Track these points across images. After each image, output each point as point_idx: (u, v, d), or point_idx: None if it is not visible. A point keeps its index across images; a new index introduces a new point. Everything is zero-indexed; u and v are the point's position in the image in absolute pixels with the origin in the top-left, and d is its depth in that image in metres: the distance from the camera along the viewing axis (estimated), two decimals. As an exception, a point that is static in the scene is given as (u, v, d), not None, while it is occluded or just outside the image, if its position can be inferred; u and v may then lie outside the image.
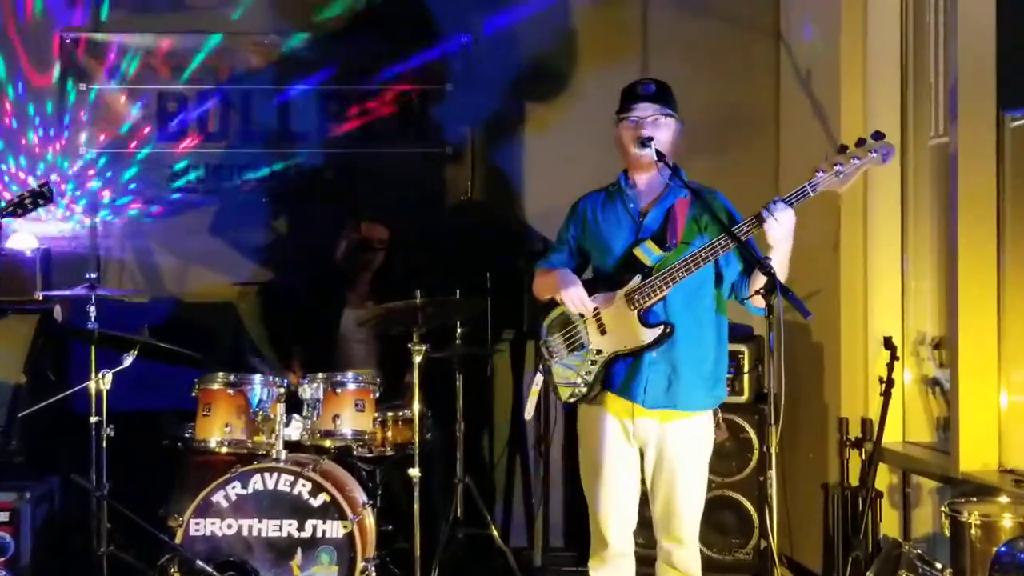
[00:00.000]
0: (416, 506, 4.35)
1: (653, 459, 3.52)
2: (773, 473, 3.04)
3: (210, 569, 3.95)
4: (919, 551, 3.86)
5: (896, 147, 4.55)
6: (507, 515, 5.59)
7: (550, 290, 3.61)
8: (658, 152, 3.43)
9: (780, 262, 3.23)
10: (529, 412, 3.79)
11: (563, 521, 5.44)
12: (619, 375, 3.49)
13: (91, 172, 5.65)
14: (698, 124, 5.32)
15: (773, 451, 3.02)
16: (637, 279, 3.43)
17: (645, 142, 3.44)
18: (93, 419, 4.35)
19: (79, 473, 4.31)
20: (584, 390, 3.51)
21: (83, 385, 4.33)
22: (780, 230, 3.20)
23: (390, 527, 4.74)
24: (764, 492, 4.62)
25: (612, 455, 3.53)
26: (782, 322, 3.03)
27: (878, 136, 3.18)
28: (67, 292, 4.64)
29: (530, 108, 5.72)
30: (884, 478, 4.55)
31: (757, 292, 3.19)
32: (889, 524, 4.51)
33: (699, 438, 3.52)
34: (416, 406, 4.40)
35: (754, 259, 3.15)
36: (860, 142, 3.18)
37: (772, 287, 3.05)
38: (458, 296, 4.80)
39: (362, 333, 5.08)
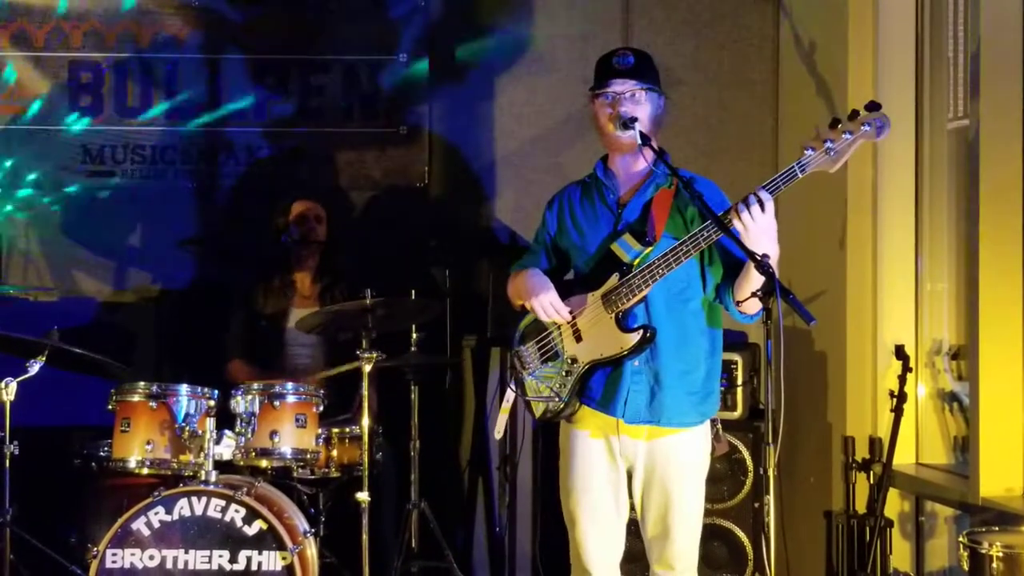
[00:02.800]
0: (365, 535, 4.33)
1: (642, 478, 3.53)
2: (771, 498, 3.06)
3: (128, 607, 3.93)
4: (933, 587, 3.91)
5: (911, 130, 4.72)
6: (467, 545, 5.60)
7: (521, 295, 3.62)
8: (642, 135, 3.44)
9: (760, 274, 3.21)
10: (499, 431, 3.79)
11: (531, 553, 5.43)
12: (598, 387, 3.50)
13: (-9, 151, 5.61)
14: (688, 104, 5.48)
15: (771, 473, 3.04)
16: (615, 278, 3.44)
17: (628, 123, 3.44)
18: (-6, 435, 4.32)
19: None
20: (560, 405, 3.52)
21: (-19, 397, 4.29)
22: (756, 230, 3.18)
23: (333, 559, 4.74)
24: (760, 520, 4.68)
25: (596, 476, 3.54)
26: (781, 329, 3.04)
27: (872, 107, 3.20)
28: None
29: (497, 81, 5.73)
30: (895, 505, 4.60)
31: (754, 294, 3.20)
32: (900, 557, 4.56)
33: (692, 454, 3.54)
34: (365, 422, 4.39)
35: (750, 256, 3.15)
36: (853, 114, 3.21)
37: (771, 288, 3.06)
38: (413, 297, 4.80)
39: (305, 337, 5.06)
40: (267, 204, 5.52)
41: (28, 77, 5.64)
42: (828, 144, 3.17)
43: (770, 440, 3.07)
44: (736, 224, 3.19)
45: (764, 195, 3.19)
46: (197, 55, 5.71)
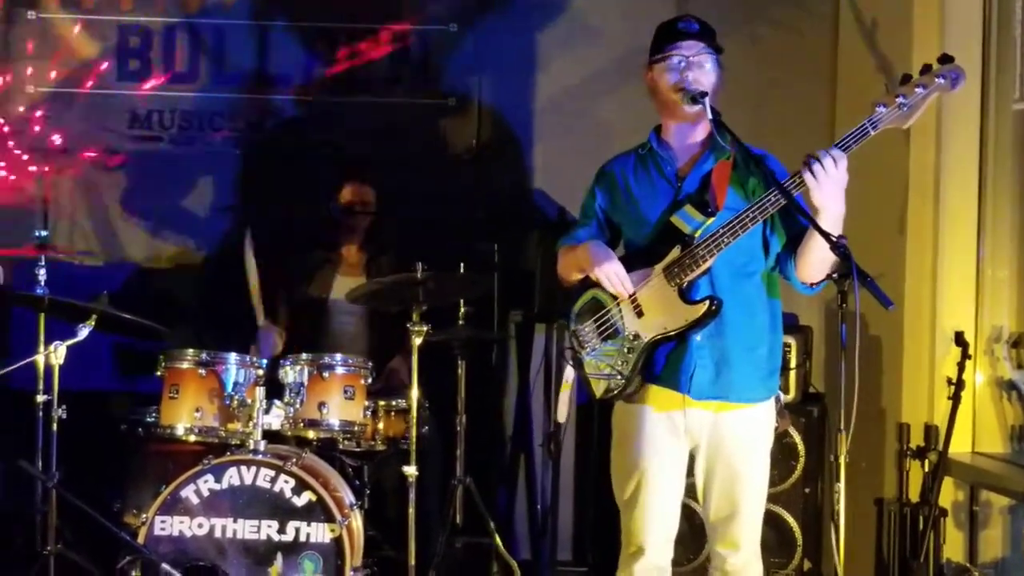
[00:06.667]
0: (412, 509, 4.30)
1: (706, 456, 3.48)
2: (842, 486, 3.02)
3: (177, 575, 3.90)
4: (988, 578, 3.86)
5: (975, 113, 4.63)
6: (508, 522, 5.57)
7: (579, 267, 3.56)
8: (713, 110, 3.37)
9: (830, 229, 3.16)
10: (561, 414, 3.73)
11: (572, 533, 5.41)
12: (660, 363, 3.44)
13: (40, 114, 5.60)
14: (740, 81, 5.38)
15: (842, 460, 3.00)
16: (676, 250, 3.38)
17: (697, 97, 3.37)
18: (41, 398, 4.31)
19: (23, 459, 4.24)
20: (621, 383, 3.46)
21: (31, 359, 4.27)
22: (828, 184, 3.12)
23: (375, 533, 4.71)
24: (810, 506, 4.64)
25: (659, 454, 3.47)
26: (858, 314, 2.98)
27: (945, 59, 3.14)
28: (12, 251, 4.62)
29: (547, 53, 5.68)
30: (949, 494, 4.55)
31: (829, 276, 3.14)
32: (953, 546, 4.51)
33: (759, 430, 3.49)
34: (414, 394, 4.35)
35: (824, 236, 3.09)
36: (925, 68, 3.14)
37: (847, 271, 2.99)
38: (462, 271, 4.74)
39: (349, 306, 5.02)
40: (313, 172, 5.50)
41: (77, 40, 5.62)
42: (900, 100, 3.10)
43: (843, 426, 3.02)
44: (807, 177, 3.13)
45: (837, 152, 3.12)
46: (246, 21, 5.68)
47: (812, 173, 3.12)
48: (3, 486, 4.85)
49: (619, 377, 3.46)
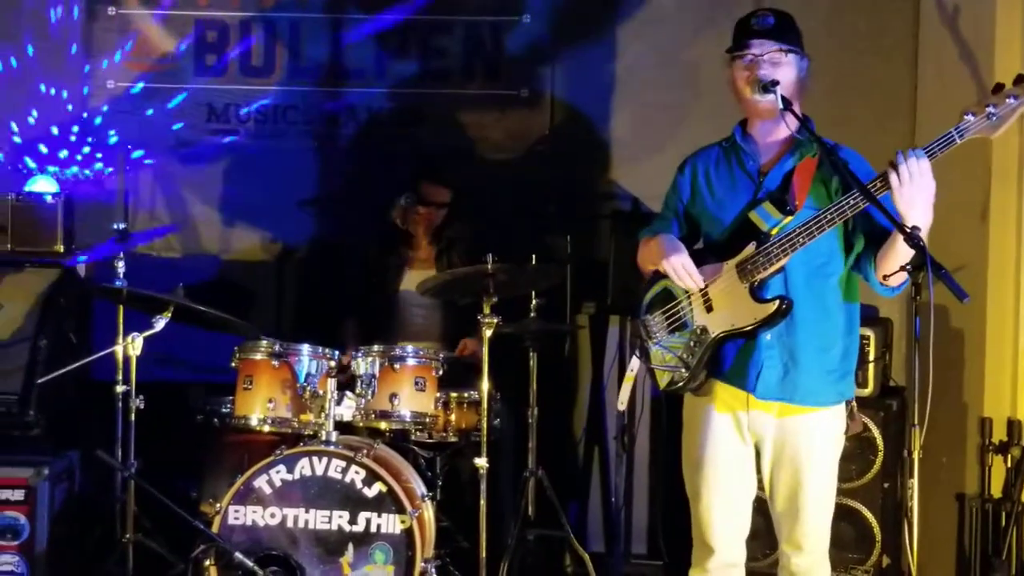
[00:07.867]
0: (483, 501, 4.31)
1: (770, 456, 3.45)
2: (915, 482, 2.96)
3: (250, 563, 3.95)
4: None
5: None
6: (581, 516, 5.55)
7: (652, 259, 3.54)
8: (783, 99, 3.32)
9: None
10: (622, 402, 3.72)
11: (647, 526, 5.37)
12: (728, 360, 3.41)
13: (119, 109, 5.68)
14: (819, 67, 5.29)
15: (916, 456, 2.94)
16: (751, 247, 3.35)
17: (768, 86, 3.32)
18: (120, 388, 4.40)
19: (102, 448, 4.31)
20: (685, 376, 3.44)
21: (109, 350, 4.36)
22: (910, 188, 3.06)
23: (448, 523, 4.73)
24: (888, 501, 4.56)
25: (722, 451, 3.46)
26: (932, 306, 2.92)
27: None
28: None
29: (621, 44, 5.65)
30: (1033, 490, 4.46)
31: (903, 268, 3.08)
32: (1036, 544, 4.42)
33: (825, 435, 3.43)
34: (485, 386, 4.36)
35: (899, 228, 3.03)
36: (1018, 79, 3.07)
37: (921, 262, 2.93)
38: (534, 263, 4.73)
39: (420, 299, 5.04)
40: (388, 165, 5.52)
41: (155, 35, 5.70)
42: (990, 109, 3.03)
43: (917, 421, 2.96)
44: (892, 179, 3.07)
45: (920, 153, 3.07)
46: (320, 15, 5.73)
47: (897, 175, 3.06)
48: (84, 475, 4.94)
49: (683, 370, 3.44)
